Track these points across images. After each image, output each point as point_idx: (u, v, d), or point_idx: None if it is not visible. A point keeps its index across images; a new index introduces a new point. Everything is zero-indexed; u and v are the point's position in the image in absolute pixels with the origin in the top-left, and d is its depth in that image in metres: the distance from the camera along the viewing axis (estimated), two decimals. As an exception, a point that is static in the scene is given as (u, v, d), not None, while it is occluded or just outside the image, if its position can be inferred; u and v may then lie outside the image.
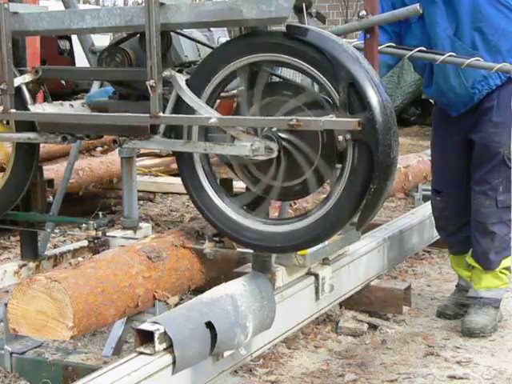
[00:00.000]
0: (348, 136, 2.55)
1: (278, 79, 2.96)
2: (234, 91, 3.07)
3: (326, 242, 2.99)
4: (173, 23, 2.69)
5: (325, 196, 2.73)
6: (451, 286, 4.11)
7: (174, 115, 2.76)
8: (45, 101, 3.16)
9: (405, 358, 3.38)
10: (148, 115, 2.73)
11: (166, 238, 3.00)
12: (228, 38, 3.26)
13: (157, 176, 6.08)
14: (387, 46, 3.37)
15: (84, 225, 3.17)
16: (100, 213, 3.26)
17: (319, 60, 2.57)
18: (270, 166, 2.70)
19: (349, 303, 3.76)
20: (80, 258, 3.31)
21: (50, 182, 3.42)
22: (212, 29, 3.29)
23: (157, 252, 2.87)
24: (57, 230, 4.21)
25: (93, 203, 5.82)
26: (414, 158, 5.62)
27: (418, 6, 3.11)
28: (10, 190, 3.23)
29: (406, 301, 3.80)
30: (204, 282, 3.07)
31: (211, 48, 2.99)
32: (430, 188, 4.09)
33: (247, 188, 2.90)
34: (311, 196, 3.26)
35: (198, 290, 2.98)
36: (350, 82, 2.52)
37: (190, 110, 2.72)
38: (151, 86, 2.68)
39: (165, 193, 6.37)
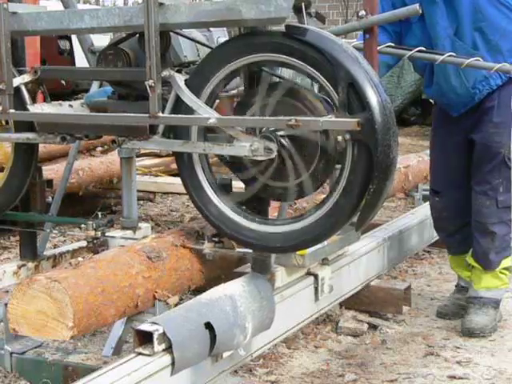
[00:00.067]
0: (347, 136, 2.55)
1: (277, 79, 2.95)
2: (234, 91, 3.07)
3: (326, 243, 2.99)
4: (172, 23, 2.68)
5: (324, 196, 2.73)
6: (451, 286, 4.11)
7: (173, 115, 2.75)
8: (45, 101, 3.16)
9: (405, 358, 3.38)
10: (147, 115, 2.72)
11: (166, 238, 3.00)
12: (227, 38, 3.26)
13: (157, 176, 6.08)
14: (387, 46, 3.37)
15: (83, 225, 3.17)
16: (99, 213, 3.26)
17: (318, 60, 2.56)
18: (270, 166, 2.71)
19: (349, 303, 3.75)
20: (80, 258, 3.31)
21: (49, 183, 3.43)
22: (211, 29, 3.28)
23: (157, 252, 2.87)
24: (56, 231, 4.20)
25: (93, 203, 5.81)
26: (414, 157, 5.61)
27: (417, 6, 3.11)
28: (9, 191, 3.23)
29: (406, 301, 3.80)
30: (204, 282, 3.06)
31: (210, 48, 2.98)
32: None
33: (246, 187, 2.90)
34: (311, 196, 3.25)
35: (198, 290, 2.98)
36: (350, 82, 2.52)
37: (189, 110, 2.72)
38: (150, 86, 2.67)
39: (165, 193, 6.37)
